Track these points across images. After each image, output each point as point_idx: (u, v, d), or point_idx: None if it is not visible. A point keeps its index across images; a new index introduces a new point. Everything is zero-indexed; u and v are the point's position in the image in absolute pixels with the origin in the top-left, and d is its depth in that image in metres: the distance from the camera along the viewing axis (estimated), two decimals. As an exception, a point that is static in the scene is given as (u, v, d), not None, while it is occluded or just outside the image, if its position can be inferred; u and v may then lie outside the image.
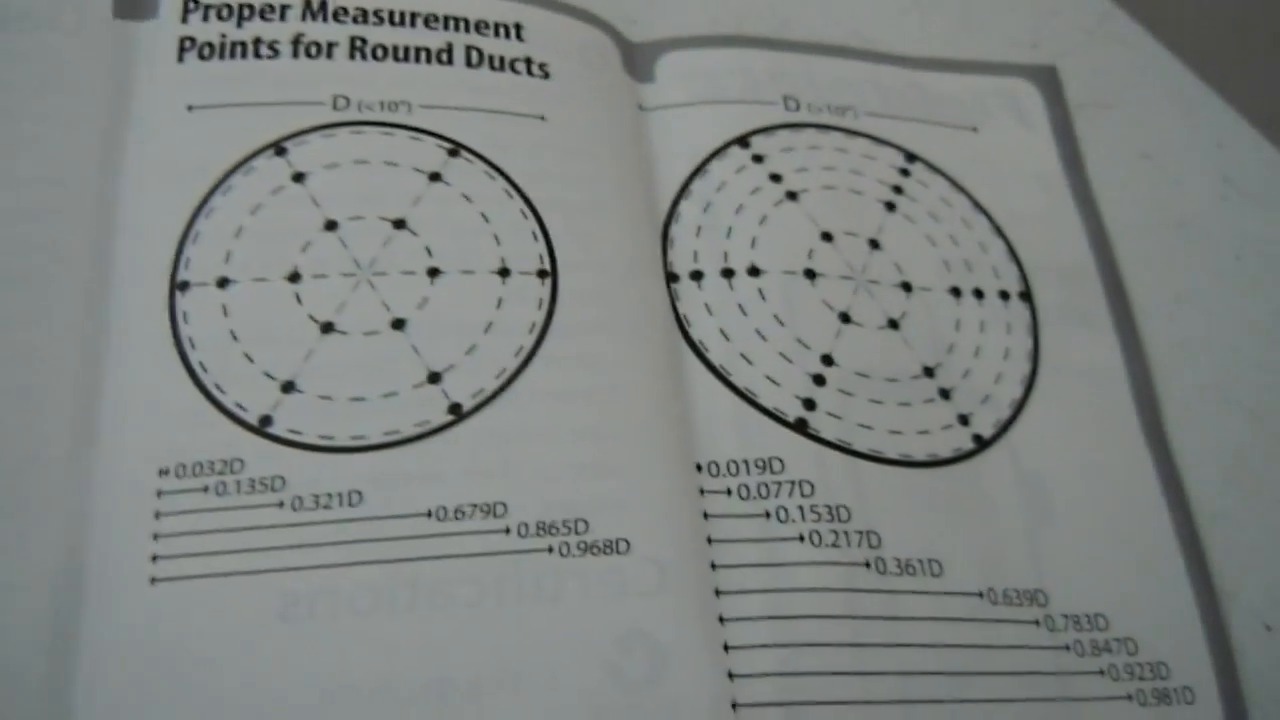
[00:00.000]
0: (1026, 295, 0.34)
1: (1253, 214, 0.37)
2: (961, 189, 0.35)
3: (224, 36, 0.31)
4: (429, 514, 0.27)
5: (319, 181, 0.30)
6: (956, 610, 0.28)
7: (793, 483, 0.29)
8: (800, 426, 0.30)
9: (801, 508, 0.29)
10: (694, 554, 0.27)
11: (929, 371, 0.32)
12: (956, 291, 0.33)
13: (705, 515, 0.28)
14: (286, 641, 0.25)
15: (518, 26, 0.33)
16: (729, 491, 0.29)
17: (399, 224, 0.30)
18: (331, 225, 0.29)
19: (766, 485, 0.29)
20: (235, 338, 0.28)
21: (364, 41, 0.32)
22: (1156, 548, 0.31)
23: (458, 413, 0.28)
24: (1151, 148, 0.38)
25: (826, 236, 0.33)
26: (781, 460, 0.29)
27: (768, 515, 0.28)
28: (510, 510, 0.27)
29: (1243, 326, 0.35)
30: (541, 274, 0.30)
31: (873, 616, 0.28)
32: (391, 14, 0.32)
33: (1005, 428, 0.32)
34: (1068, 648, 0.29)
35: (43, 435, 0.26)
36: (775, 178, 0.33)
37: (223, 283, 0.28)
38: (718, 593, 0.27)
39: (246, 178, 0.30)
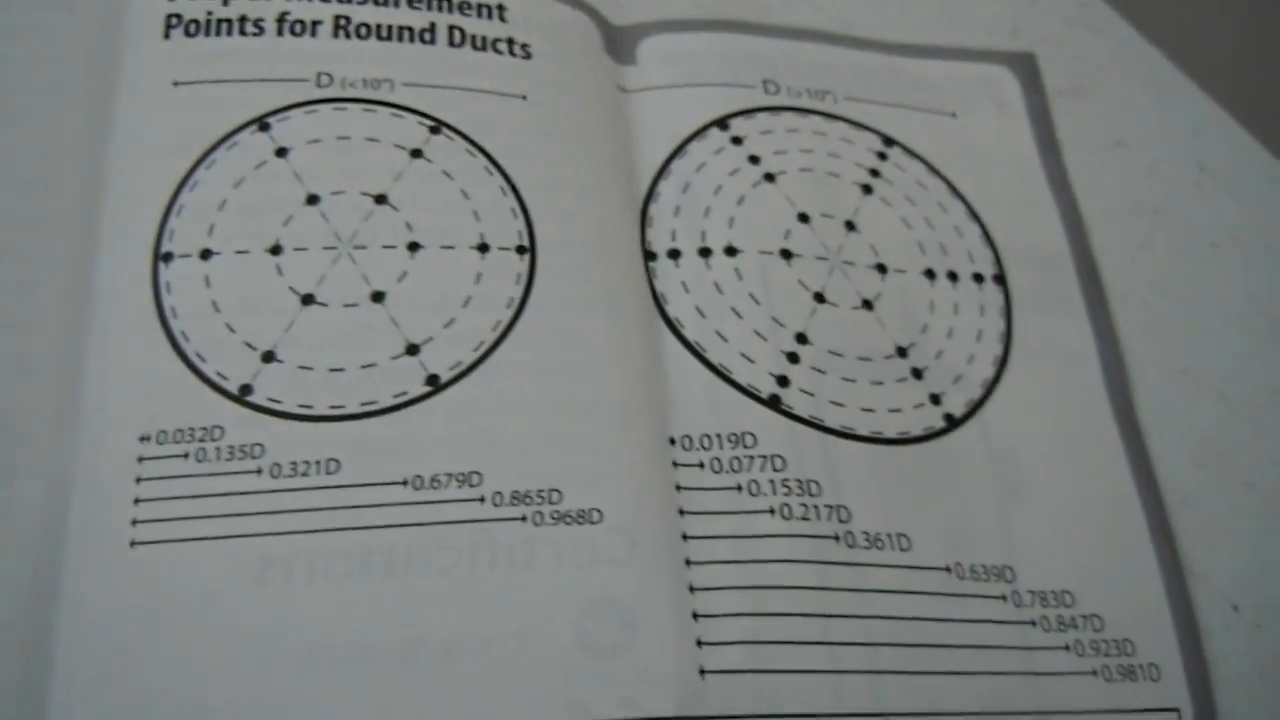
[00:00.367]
0: (1000, 279, 0.34)
1: (1228, 201, 0.37)
2: (938, 173, 0.36)
3: (210, 14, 0.31)
4: (405, 482, 0.27)
5: (301, 156, 0.30)
6: (924, 584, 0.29)
7: (764, 457, 0.29)
8: (773, 403, 0.30)
9: (773, 481, 0.29)
10: (665, 524, 0.28)
11: (902, 351, 0.32)
12: (931, 274, 0.34)
13: (678, 487, 0.29)
14: (263, 605, 0.26)
15: (500, 8, 0.34)
16: (701, 465, 0.29)
17: (380, 199, 0.30)
18: (313, 199, 0.30)
19: (738, 459, 0.29)
20: (217, 308, 0.28)
21: (348, 20, 0.32)
22: (1125, 527, 0.31)
23: (435, 384, 0.28)
24: (1128, 135, 0.38)
25: (803, 218, 0.33)
26: (754, 435, 0.30)
27: (739, 488, 0.29)
28: (485, 479, 0.27)
29: (1216, 312, 0.35)
30: (520, 250, 0.30)
31: (841, 588, 0.28)
32: (376, -7, 0.33)
33: (976, 407, 0.32)
34: (1034, 623, 0.29)
35: (26, 401, 0.27)
36: (754, 159, 0.34)
37: (205, 254, 0.29)
38: (688, 562, 0.28)
39: (230, 152, 0.30)
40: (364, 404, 0.28)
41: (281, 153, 0.30)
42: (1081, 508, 0.31)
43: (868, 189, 0.35)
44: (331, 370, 0.28)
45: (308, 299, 0.29)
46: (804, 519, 0.29)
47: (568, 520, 0.27)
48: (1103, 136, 0.38)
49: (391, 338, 0.29)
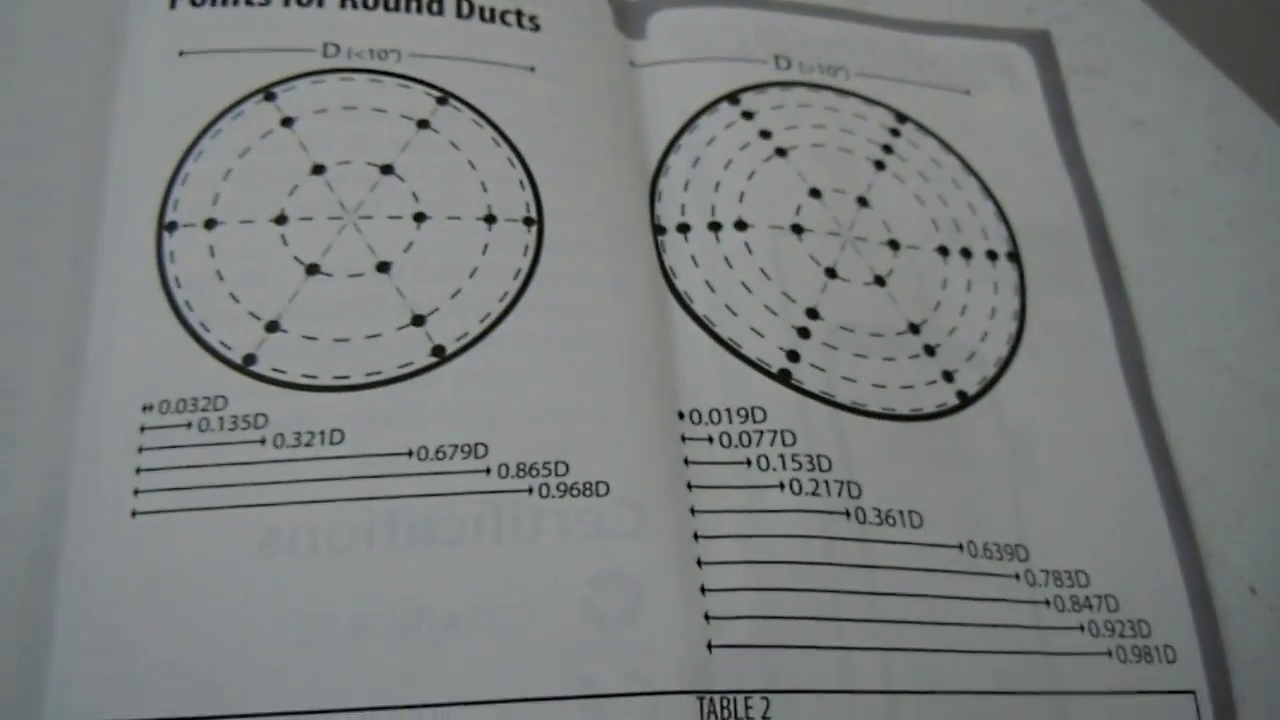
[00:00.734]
0: (1015, 256, 0.34)
1: (1245, 181, 0.37)
2: (952, 150, 0.35)
3: (216, -17, 0.31)
4: (410, 453, 0.27)
5: (307, 126, 0.30)
6: (935, 561, 0.29)
7: (774, 432, 0.29)
8: (783, 377, 0.30)
9: (783, 456, 0.29)
10: (673, 498, 0.28)
11: (914, 328, 0.32)
12: (944, 250, 0.33)
13: (686, 461, 0.28)
14: (266, 576, 0.25)
15: (509, -21, 0.33)
16: (710, 439, 0.29)
17: (386, 169, 0.30)
18: (319, 169, 0.30)
19: (748, 434, 0.29)
20: (221, 278, 0.28)
21: (355, -10, 0.32)
22: (1140, 507, 0.31)
23: (440, 355, 0.28)
24: (1144, 114, 0.38)
25: (815, 193, 0.33)
26: (764, 409, 0.29)
27: (749, 463, 0.29)
28: (491, 451, 0.27)
29: (1233, 292, 0.35)
30: (528, 221, 0.30)
31: (851, 564, 0.28)
32: (384, -36, 0.33)
33: (990, 385, 0.32)
34: (1047, 603, 0.29)
35: (29, 370, 0.27)
36: (765, 134, 0.34)
37: (210, 224, 0.29)
38: (696, 536, 0.27)
39: (235, 122, 0.30)
40: (369, 374, 0.28)
41: (287, 122, 0.30)
42: (1096, 487, 0.31)
43: (880, 165, 0.34)
44: (336, 340, 0.28)
45: (312, 269, 0.28)
46: (814, 494, 0.28)
47: (574, 493, 0.27)
48: (1119, 115, 0.37)
49: (397, 308, 0.28)
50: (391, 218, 0.29)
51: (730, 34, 0.35)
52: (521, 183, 0.31)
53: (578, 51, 0.33)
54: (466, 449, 0.27)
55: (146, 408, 0.27)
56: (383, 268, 0.29)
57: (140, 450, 0.26)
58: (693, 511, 0.28)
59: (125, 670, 0.24)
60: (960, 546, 0.29)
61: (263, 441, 0.27)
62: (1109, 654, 0.29)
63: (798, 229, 0.32)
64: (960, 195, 0.34)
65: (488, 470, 0.27)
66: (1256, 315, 0.35)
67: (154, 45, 0.30)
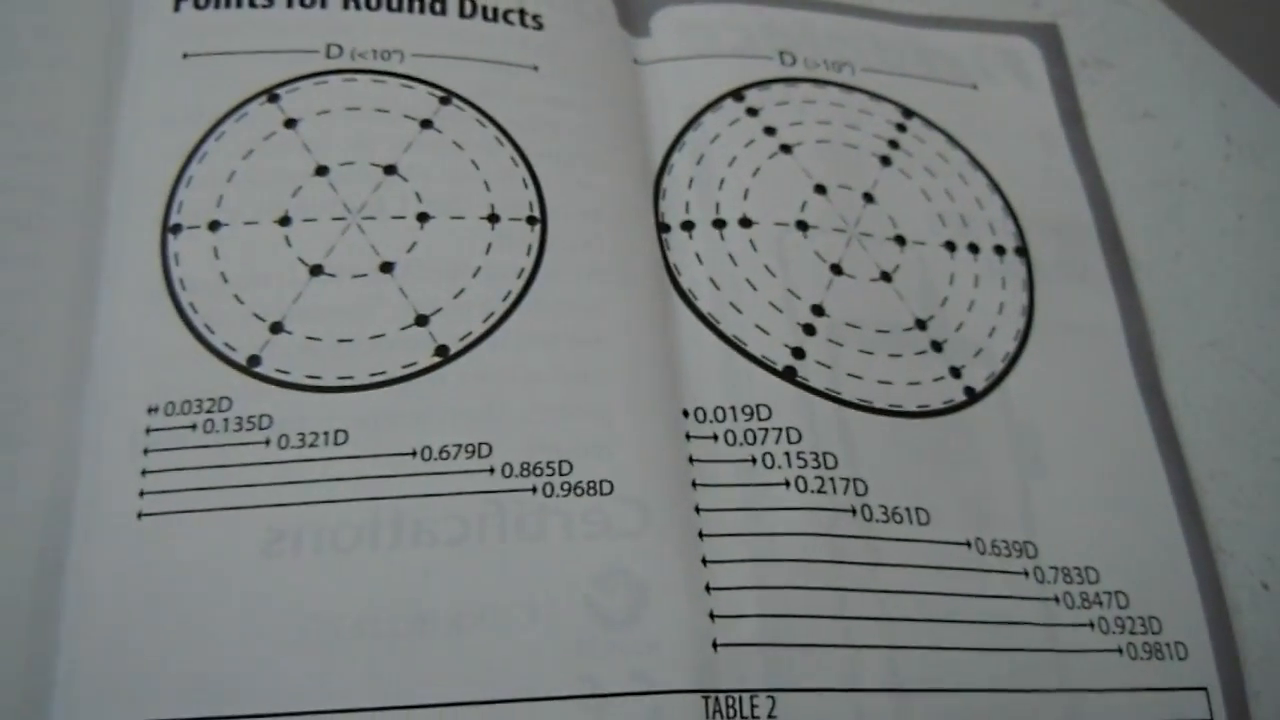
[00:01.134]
0: (1023, 251, 0.34)
1: (1256, 173, 0.37)
2: (959, 145, 0.35)
3: (219, -15, 0.31)
4: (414, 453, 0.27)
5: (310, 128, 0.30)
6: (943, 559, 0.28)
7: (780, 429, 0.29)
8: (789, 374, 0.30)
9: (788, 454, 0.29)
10: (677, 496, 0.27)
11: (921, 324, 0.32)
12: (951, 246, 0.33)
13: (691, 460, 0.28)
14: (270, 576, 0.25)
15: (512, -22, 0.33)
16: (715, 437, 0.29)
17: (389, 170, 0.30)
18: (322, 170, 0.30)
19: (753, 431, 0.29)
20: (225, 279, 0.28)
21: (357, -10, 0.32)
22: (1151, 503, 0.31)
23: (444, 354, 0.28)
24: (1153, 106, 0.37)
25: (820, 189, 0.33)
26: (769, 407, 0.29)
27: (754, 461, 0.28)
28: (495, 450, 0.27)
29: (1244, 285, 0.35)
30: (531, 220, 0.30)
31: (857, 562, 0.28)
32: (386, -35, 0.33)
33: (998, 381, 0.31)
34: (1056, 599, 0.29)
35: (35, 372, 0.27)
36: (769, 130, 0.33)
37: (214, 226, 0.29)
38: (701, 535, 0.27)
39: (239, 123, 0.30)
40: (373, 375, 0.28)
41: (291, 124, 0.30)
42: (1106, 483, 0.30)
43: (886, 160, 0.34)
44: (340, 341, 0.28)
45: (316, 270, 0.29)
46: (820, 492, 0.28)
47: (578, 492, 0.27)
48: (1128, 108, 0.37)
49: (400, 308, 0.28)
50: (395, 218, 0.29)
51: (734, 30, 0.35)
52: (524, 182, 0.30)
53: (581, 50, 0.33)
54: (470, 449, 0.27)
55: (151, 409, 0.27)
56: (386, 268, 0.29)
57: (145, 452, 0.26)
58: (697, 510, 0.28)
59: (131, 670, 0.24)
60: (968, 543, 0.29)
61: (267, 442, 0.27)
62: (1120, 651, 0.28)
63: (803, 225, 0.32)
64: (967, 190, 0.34)
65: (492, 470, 0.27)
66: (1268, 308, 0.34)
67: (157, 48, 0.30)
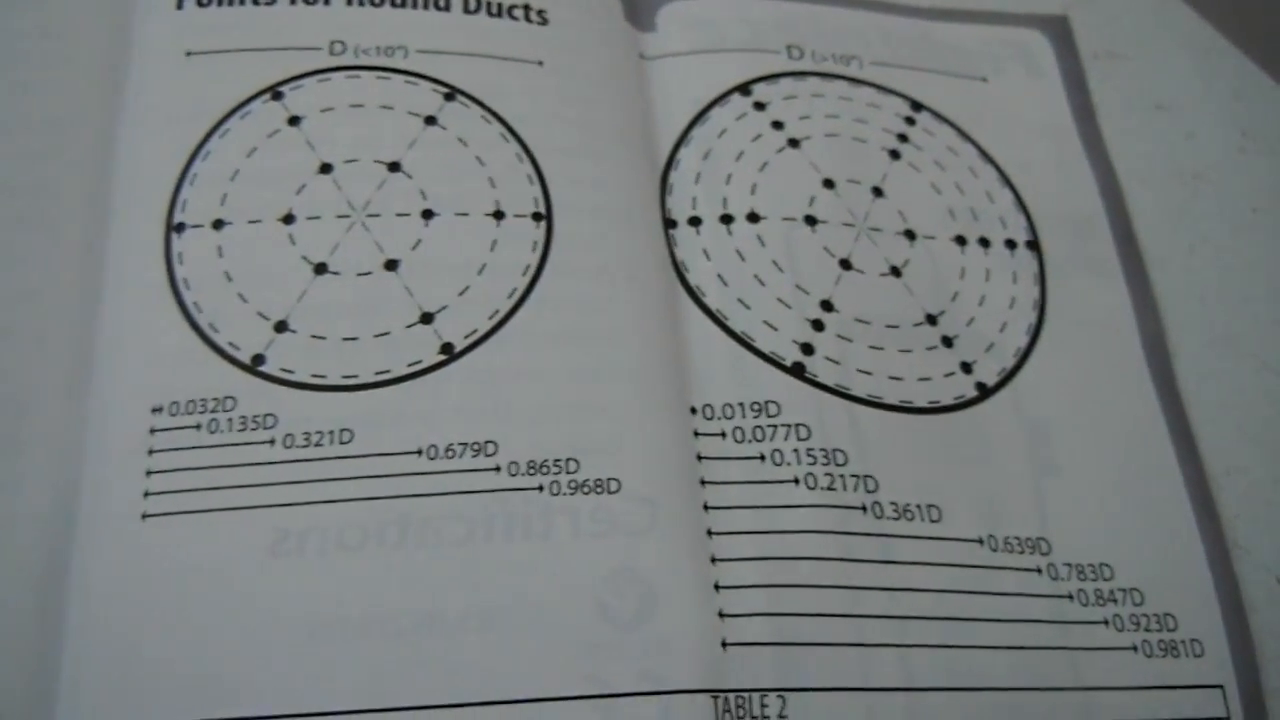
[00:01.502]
0: (1034, 244, 0.33)
1: (1270, 166, 0.36)
2: (969, 138, 0.35)
3: (222, -17, 0.31)
4: (419, 452, 0.27)
5: (314, 125, 0.30)
6: (955, 556, 0.28)
7: (789, 426, 0.29)
8: (797, 371, 0.29)
9: (797, 451, 0.28)
10: (686, 495, 0.27)
11: (931, 319, 0.31)
12: (961, 240, 0.33)
13: (699, 457, 0.28)
14: (276, 576, 0.25)
15: (516, -26, 0.33)
16: (723, 434, 0.28)
17: (394, 167, 0.30)
18: (326, 168, 0.30)
19: (762, 428, 0.29)
20: (229, 278, 0.28)
21: (361, -13, 0.32)
22: (1166, 499, 0.30)
23: (450, 352, 0.28)
24: (1166, 99, 0.37)
25: (828, 183, 0.32)
26: (778, 404, 0.29)
27: (763, 458, 0.28)
28: (501, 449, 0.27)
29: (1259, 279, 0.34)
30: (536, 217, 0.30)
31: (868, 560, 0.27)
32: (390, -40, 0.32)
33: (1010, 376, 0.31)
34: (1070, 597, 0.28)
35: (39, 372, 0.27)
36: (777, 125, 0.33)
37: (218, 224, 0.29)
38: (710, 533, 0.27)
39: (243, 121, 0.30)
40: (378, 373, 0.27)
41: (294, 121, 0.30)
42: (1120, 479, 0.30)
43: (895, 154, 0.34)
44: (345, 339, 0.28)
45: (320, 268, 0.28)
46: (829, 489, 0.28)
47: (585, 490, 0.27)
48: (1141, 100, 0.37)
49: (405, 306, 0.28)
50: (399, 215, 0.29)
51: (741, 25, 0.35)
52: (530, 178, 0.30)
53: (586, 45, 0.33)
54: (476, 447, 0.27)
55: (156, 409, 0.26)
56: (391, 266, 0.29)
57: (150, 452, 0.26)
58: (706, 508, 0.27)
59: (136, 672, 0.24)
60: (980, 540, 0.28)
61: (272, 442, 0.26)
62: (1134, 648, 0.28)
63: (811, 220, 0.32)
64: (978, 184, 0.34)
65: (498, 468, 0.27)
66: (1283, 302, 0.34)
67: (161, 46, 0.30)
